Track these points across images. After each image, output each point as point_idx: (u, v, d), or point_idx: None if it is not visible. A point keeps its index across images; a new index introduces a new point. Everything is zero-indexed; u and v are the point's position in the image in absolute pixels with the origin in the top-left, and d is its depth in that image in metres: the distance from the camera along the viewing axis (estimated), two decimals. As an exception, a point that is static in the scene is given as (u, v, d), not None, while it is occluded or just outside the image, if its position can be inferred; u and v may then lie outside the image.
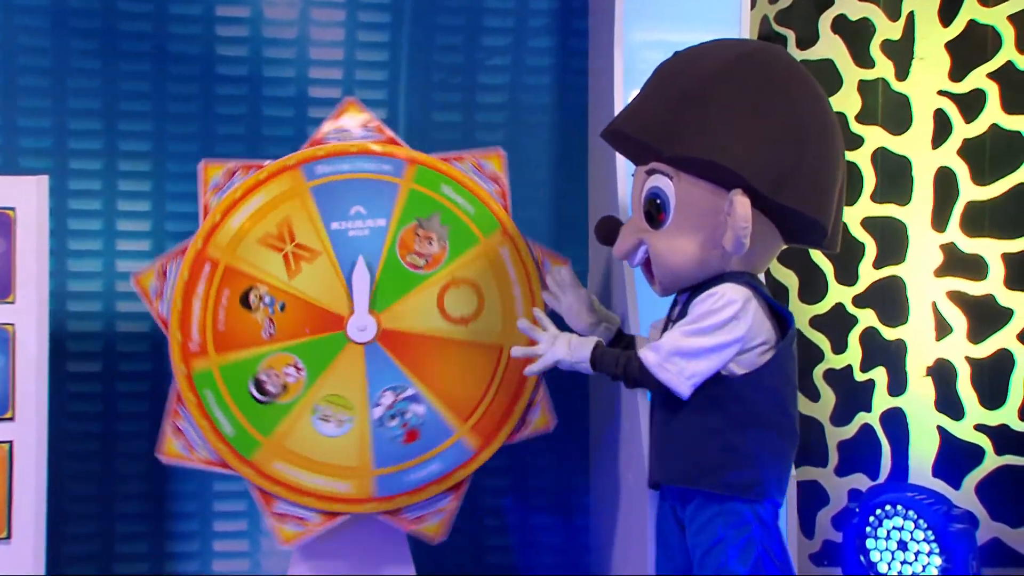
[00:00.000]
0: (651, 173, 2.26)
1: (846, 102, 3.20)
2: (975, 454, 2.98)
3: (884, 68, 3.15)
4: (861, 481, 3.18)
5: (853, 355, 3.21)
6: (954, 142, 3.03)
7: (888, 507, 2.98)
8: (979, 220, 2.99)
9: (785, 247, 2.36)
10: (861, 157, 3.18)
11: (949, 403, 3.03)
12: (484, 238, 2.72)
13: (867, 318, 3.19)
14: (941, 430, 3.04)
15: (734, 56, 2.22)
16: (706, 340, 2.18)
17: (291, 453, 2.64)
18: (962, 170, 3.02)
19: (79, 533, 3.05)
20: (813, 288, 3.27)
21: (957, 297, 3.03)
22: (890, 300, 3.15)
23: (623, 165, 2.75)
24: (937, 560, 2.91)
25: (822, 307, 3.25)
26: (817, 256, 3.21)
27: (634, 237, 2.31)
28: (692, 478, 2.25)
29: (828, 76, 3.20)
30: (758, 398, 2.22)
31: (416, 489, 2.66)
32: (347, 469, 2.65)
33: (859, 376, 3.20)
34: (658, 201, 2.25)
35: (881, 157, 3.17)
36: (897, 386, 3.13)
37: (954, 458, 3.02)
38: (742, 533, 2.20)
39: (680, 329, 2.21)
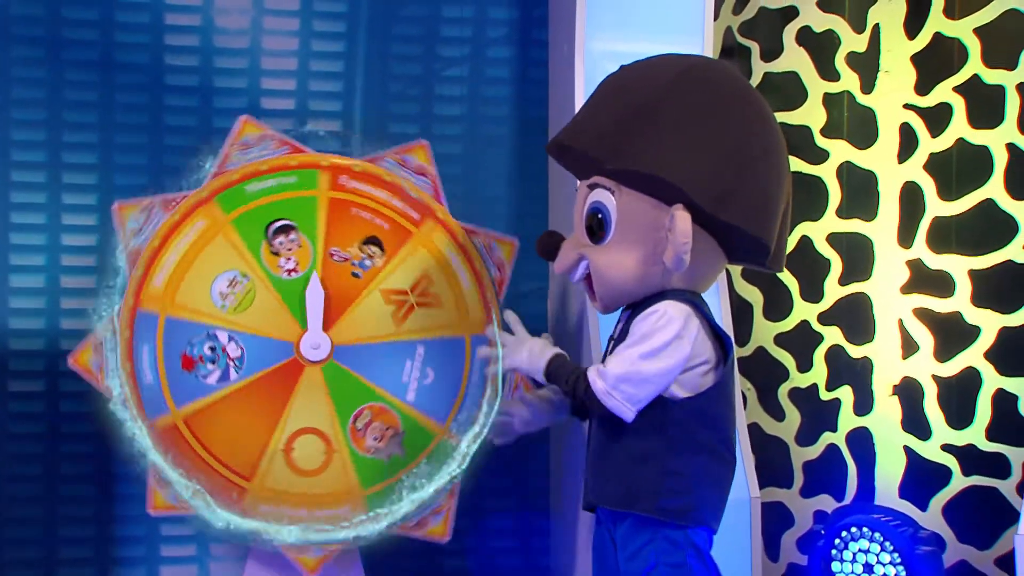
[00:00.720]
0: (593, 187, 2.22)
1: (811, 115, 3.16)
2: (942, 475, 2.94)
3: (849, 81, 3.12)
4: (827, 503, 3.14)
5: (819, 373, 3.17)
6: (920, 156, 2.99)
7: (854, 529, 2.95)
8: (946, 236, 2.95)
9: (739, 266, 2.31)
10: (826, 171, 3.15)
11: (916, 423, 2.99)
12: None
13: (833, 336, 3.15)
14: (908, 450, 3.00)
15: (680, 71, 2.18)
16: (653, 364, 2.13)
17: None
18: (928, 185, 2.97)
19: (22, 559, 2.98)
20: (778, 305, 3.23)
21: (924, 314, 2.98)
22: (856, 317, 3.11)
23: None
24: (903, 583, 2.87)
25: (787, 324, 3.22)
26: (782, 272, 3.16)
27: (575, 252, 2.27)
28: (628, 501, 2.20)
29: (792, 89, 3.18)
30: (699, 423, 2.19)
31: None
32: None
33: (825, 395, 3.16)
34: (599, 216, 2.21)
35: (847, 171, 3.13)
36: (863, 405, 3.09)
37: (921, 479, 2.98)
38: (674, 559, 2.17)
39: (626, 353, 2.15)
